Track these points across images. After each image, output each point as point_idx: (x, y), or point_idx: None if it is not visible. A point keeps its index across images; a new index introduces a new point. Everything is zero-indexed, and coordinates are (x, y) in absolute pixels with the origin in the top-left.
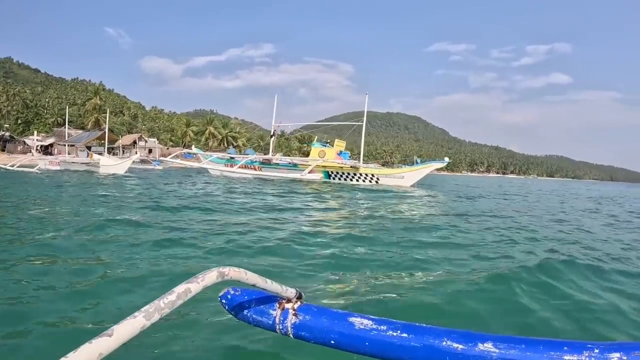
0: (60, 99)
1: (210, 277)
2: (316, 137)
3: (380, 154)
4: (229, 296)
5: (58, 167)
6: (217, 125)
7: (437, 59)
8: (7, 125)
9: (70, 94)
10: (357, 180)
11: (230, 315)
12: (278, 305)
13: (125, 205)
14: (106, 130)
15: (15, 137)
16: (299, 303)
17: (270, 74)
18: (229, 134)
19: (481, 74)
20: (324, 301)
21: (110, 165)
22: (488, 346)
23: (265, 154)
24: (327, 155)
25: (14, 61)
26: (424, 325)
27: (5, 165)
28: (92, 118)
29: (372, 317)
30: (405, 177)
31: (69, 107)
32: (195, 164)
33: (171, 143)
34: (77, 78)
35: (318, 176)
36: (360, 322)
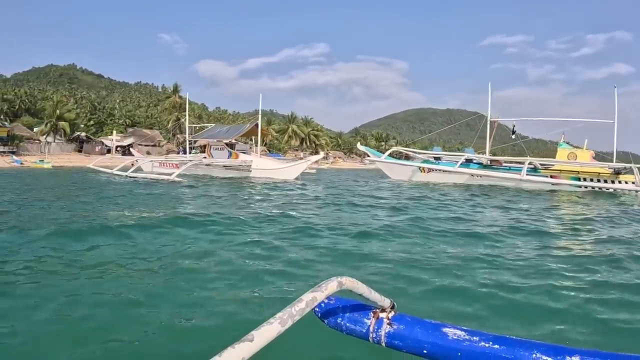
0: (125, 101)
1: (331, 286)
2: (562, 136)
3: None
4: (323, 304)
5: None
6: (299, 123)
7: (492, 52)
8: (83, 125)
9: (134, 96)
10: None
11: (323, 323)
12: (372, 315)
13: None
14: (259, 122)
15: (92, 137)
16: (393, 312)
17: (324, 73)
18: (311, 132)
19: (540, 66)
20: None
21: (270, 169)
22: None
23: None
24: (579, 157)
25: (78, 67)
26: (514, 337)
27: (111, 170)
28: (172, 117)
29: (464, 328)
30: None
31: (135, 110)
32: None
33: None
34: (140, 82)
35: None
36: (453, 333)
